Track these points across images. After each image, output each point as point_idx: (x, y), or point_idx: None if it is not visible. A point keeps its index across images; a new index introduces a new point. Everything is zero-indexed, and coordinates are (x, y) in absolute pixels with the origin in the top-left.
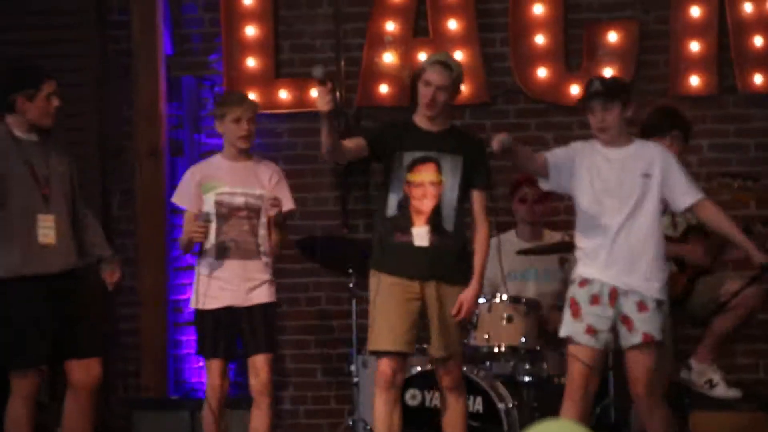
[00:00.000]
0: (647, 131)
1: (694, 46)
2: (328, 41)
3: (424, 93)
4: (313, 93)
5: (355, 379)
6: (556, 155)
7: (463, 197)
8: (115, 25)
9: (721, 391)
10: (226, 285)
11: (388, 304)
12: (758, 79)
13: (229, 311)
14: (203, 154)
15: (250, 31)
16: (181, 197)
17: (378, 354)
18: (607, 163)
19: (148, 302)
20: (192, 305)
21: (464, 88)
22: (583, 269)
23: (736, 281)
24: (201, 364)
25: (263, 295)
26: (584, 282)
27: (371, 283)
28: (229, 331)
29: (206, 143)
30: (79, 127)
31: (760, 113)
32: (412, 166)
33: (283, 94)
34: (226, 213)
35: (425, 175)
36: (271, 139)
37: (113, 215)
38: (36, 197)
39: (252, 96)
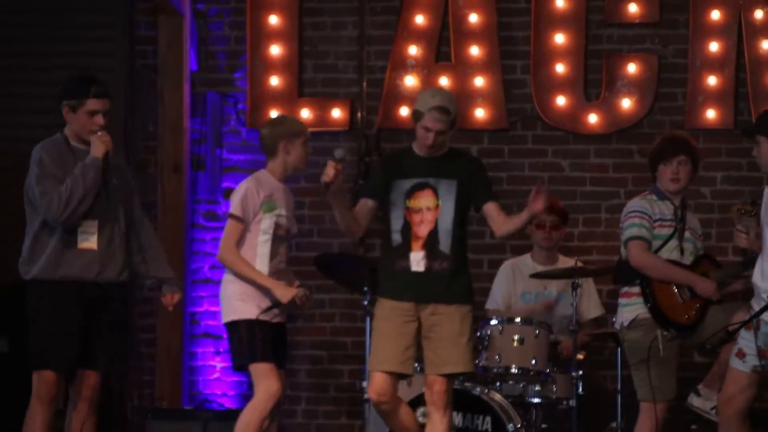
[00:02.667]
0: (654, 159)
1: (712, 80)
2: (351, 63)
3: (423, 136)
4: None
5: (366, 396)
6: None
7: (461, 220)
8: (142, 41)
9: None
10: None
11: (386, 328)
12: None
13: (277, 326)
14: (224, 169)
15: (275, 50)
16: (245, 211)
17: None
18: None
19: (165, 313)
20: (244, 315)
21: (483, 112)
22: None
23: (746, 311)
24: (216, 375)
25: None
26: None
27: (376, 307)
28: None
29: (227, 158)
30: None
31: None
32: (411, 193)
33: (305, 113)
34: (283, 235)
35: (423, 201)
36: None
37: None
38: None
39: (274, 114)
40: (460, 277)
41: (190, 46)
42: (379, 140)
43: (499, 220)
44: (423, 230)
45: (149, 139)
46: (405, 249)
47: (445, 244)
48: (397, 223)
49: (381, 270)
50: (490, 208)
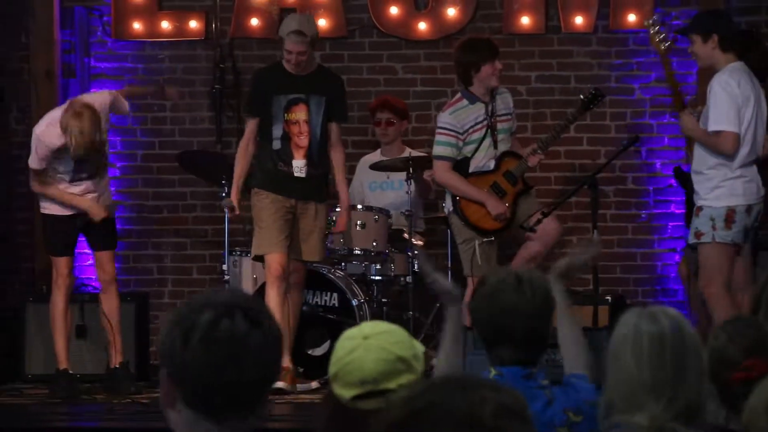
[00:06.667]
0: (470, 63)
1: None
2: None
3: (287, 59)
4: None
5: (227, 277)
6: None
7: (326, 132)
8: None
9: None
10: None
11: (273, 217)
12: (578, 20)
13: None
14: (93, 76)
15: None
16: None
17: (264, 255)
18: None
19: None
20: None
21: (325, 22)
22: None
23: (538, 212)
24: (90, 261)
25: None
26: None
27: (256, 199)
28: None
29: (95, 66)
30: None
31: (579, 50)
32: (289, 107)
33: (165, 25)
34: None
35: (299, 114)
36: (154, 64)
37: (11, 128)
38: None
39: (137, 26)
40: (326, 181)
41: None
42: (232, 48)
43: (335, 145)
44: (303, 141)
45: (22, 49)
46: (287, 156)
47: (318, 154)
48: (278, 132)
49: (262, 170)
50: (333, 130)
